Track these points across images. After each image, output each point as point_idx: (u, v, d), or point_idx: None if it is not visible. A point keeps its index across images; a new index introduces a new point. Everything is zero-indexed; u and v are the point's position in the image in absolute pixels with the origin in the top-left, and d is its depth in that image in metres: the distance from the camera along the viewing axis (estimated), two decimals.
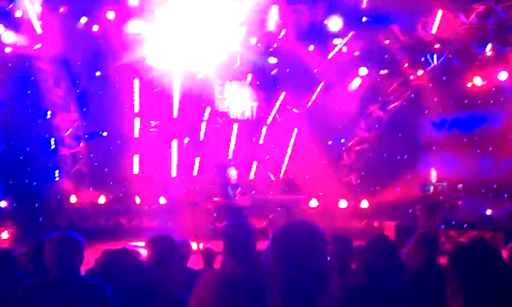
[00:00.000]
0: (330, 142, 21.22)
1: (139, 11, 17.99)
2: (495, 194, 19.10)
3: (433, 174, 15.96)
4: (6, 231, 17.66)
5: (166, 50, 18.48)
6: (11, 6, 17.40)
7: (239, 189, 15.48)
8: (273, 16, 18.61)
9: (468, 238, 13.60)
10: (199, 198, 18.07)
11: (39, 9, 17.66)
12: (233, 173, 15.73)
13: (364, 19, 18.58)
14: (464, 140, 19.79)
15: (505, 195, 18.97)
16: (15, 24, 17.61)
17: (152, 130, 20.04)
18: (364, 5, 18.20)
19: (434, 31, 17.77)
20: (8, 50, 17.97)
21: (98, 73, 19.12)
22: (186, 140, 19.98)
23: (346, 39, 19.06)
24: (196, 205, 17.13)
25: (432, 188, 15.79)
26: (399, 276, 4.77)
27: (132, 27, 17.94)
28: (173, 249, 5.16)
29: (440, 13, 17.59)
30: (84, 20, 18.05)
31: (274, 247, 3.02)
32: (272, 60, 19.89)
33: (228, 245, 5.16)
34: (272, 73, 20.61)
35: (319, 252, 2.99)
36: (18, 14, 17.58)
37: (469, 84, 18.78)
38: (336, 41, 19.01)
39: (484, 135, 19.55)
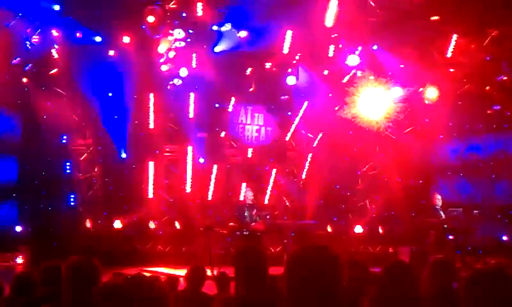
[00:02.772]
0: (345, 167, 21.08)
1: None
2: (511, 220, 18.92)
3: (438, 199, 15.92)
4: (20, 256, 17.70)
5: (186, 73, 18.79)
6: (28, 31, 17.64)
7: (255, 211, 15.56)
8: (288, 41, 18.73)
9: (486, 264, 13.46)
10: (213, 223, 18.08)
11: (56, 34, 17.88)
12: (249, 194, 15.87)
13: (375, 47, 18.74)
14: (480, 165, 19.62)
15: None
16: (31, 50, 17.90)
17: (166, 154, 20.09)
18: (378, 29, 18.30)
19: (449, 55, 17.79)
20: (24, 80, 18.25)
21: (110, 94, 19.21)
22: (201, 160, 19.99)
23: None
24: (211, 230, 17.10)
25: (442, 213, 15.77)
26: (416, 303, 4.73)
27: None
28: None
29: (454, 37, 17.62)
30: (98, 39, 18.24)
31: (289, 271, 3.00)
32: (291, 81, 19.86)
33: (239, 271, 5.14)
34: (284, 98, 20.65)
35: (334, 277, 2.96)
36: (35, 39, 17.80)
37: None
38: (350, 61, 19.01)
39: (499, 160, 19.39)
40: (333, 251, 3.02)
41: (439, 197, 16.06)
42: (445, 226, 15.66)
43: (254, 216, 15.62)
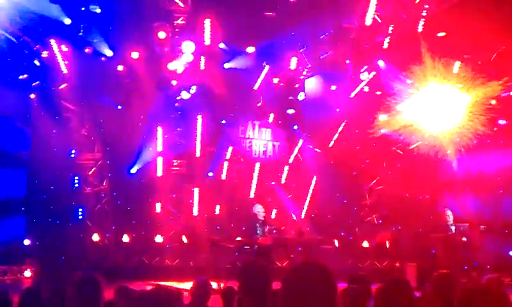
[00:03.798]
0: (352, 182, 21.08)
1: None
2: None
3: (448, 215, 15.89)
4: (28, 270, 17.80)
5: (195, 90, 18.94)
6: (37, 46, 17.79)
7: (268, 227, 15.52)
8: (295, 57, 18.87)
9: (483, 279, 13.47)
10: (220, 237, 18.10)
11: (65, 49, 18.03)
12: (260, 209, 15.75)
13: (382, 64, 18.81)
14: (487, 180, 19.59)
15: None
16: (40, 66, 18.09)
17: (174, 169, 20.12)
18: (385, 46, 18.40)
19: (455, 70, 17.83)
20: (32, 96, 18.41)
21: (119, 107, 19.31)
22: (210, 174, 20.02)
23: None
24: (218, 244, 17.12)
25: (454, 229, 15.72)
26: None
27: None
28: None
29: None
30: (109, 53, 18.36)
31: (284, 288, 3.05)
32: (301, 97, 20.04)
33: (242, 285, 5.19)
34: (290, 112, 20.70)
35: (327, 294, 3.01)
36: (44, 54, 17.96)
37: None
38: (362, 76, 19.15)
39: (506, 175, 19.36)
40: (328, 270, 3.06)
41: (449, 213, 16.01)
42: (452, 241, 15.64)
43: (267, 233, 15.55)
